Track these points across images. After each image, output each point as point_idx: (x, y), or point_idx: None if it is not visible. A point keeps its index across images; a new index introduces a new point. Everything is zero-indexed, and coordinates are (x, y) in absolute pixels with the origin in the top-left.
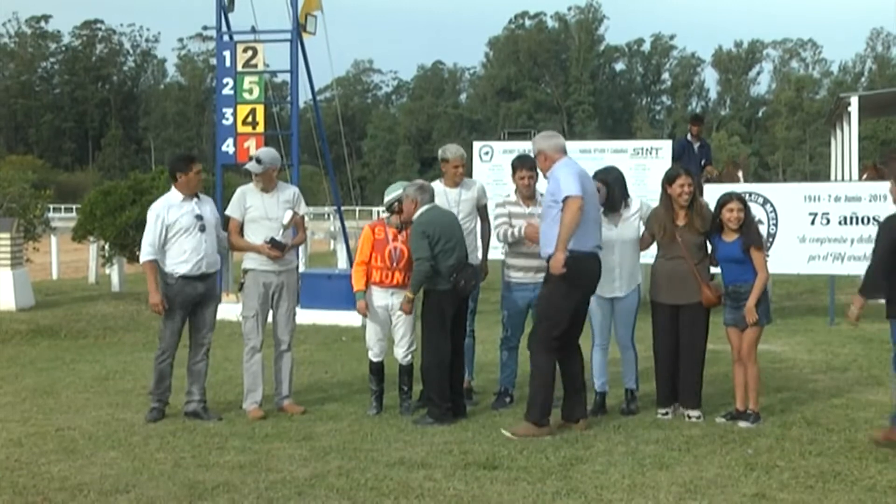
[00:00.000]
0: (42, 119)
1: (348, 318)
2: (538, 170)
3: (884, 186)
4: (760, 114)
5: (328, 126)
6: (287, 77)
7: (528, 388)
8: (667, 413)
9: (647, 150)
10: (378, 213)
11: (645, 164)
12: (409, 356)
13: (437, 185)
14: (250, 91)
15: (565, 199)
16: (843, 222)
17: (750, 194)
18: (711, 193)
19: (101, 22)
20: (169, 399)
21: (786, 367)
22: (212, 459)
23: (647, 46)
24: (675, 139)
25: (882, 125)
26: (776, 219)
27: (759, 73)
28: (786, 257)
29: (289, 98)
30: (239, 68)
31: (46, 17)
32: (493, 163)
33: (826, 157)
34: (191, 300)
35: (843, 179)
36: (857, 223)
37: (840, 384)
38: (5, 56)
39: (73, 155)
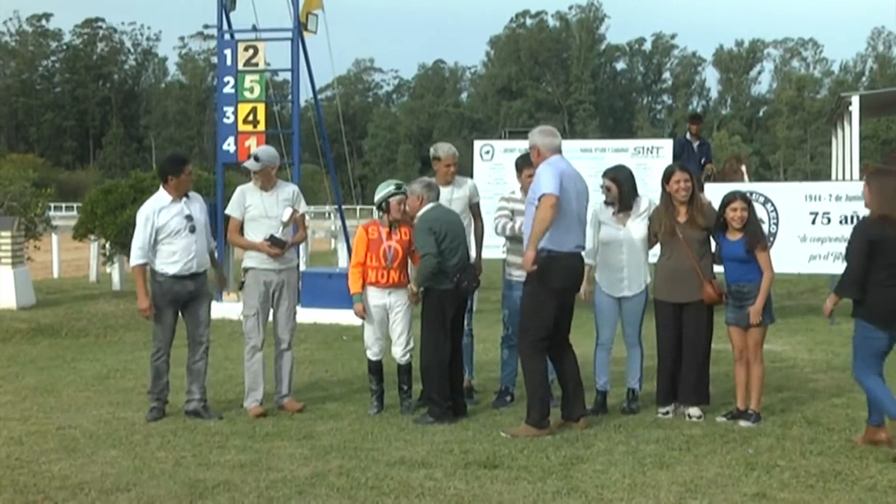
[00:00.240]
0: (43, 117)
1: (349, 317)
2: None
3: None
4: (761, 113)
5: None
6: (288, 76)
7: (526, 392)
8: (667, 412)
9: (647, 149)
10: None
11: (646, 163)
12: (408, 355)
13: None
14: (251, 90)
15: (540, 197)
16: (843, 222)
17: (751, 193)
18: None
19: (102, 20)
20: (168, 398)
21: (786, 366)
22: (212, 458)
23: (648, 46)
24: (675, 138)
25: (883, 125)
26: (777, 218)
27: (760, 73)
28: (787, 257)
29: (290, 97)
30: (240, 67)
31: (47, 16)
32: (494, 162)
33: (827, 156)
34: (181, 298)
35: (844, 179)
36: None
37: (841, 384)
38: (6, 54)
39: (74, 153)
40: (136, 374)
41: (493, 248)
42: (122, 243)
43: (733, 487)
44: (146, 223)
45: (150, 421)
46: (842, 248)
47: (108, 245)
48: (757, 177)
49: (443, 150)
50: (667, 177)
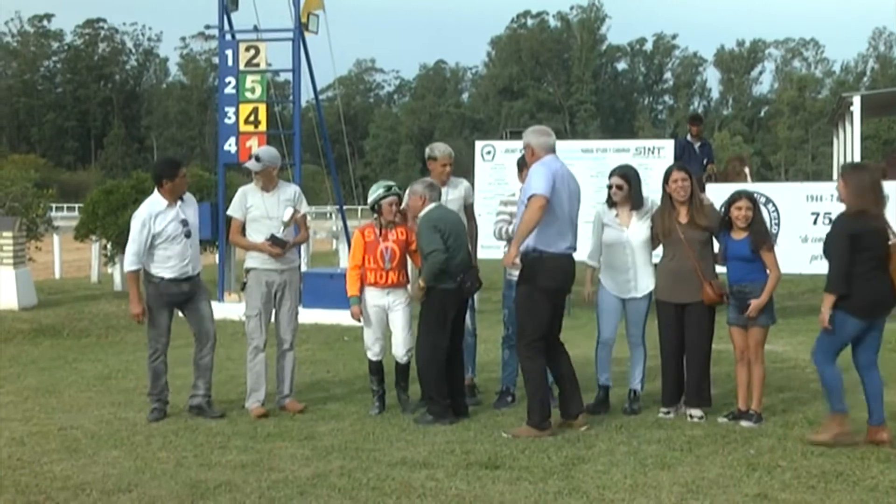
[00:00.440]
0: (44, 118)
1: (350, 318)
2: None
3: (886, 186)
4: (763, 113)
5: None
6: (289, 76)
7: (526, 393)
8: (668, 412)
9: (649, 149)
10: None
11: (647, 164)
12: (407, 356)
13: None
14: (252, 90)
15: (530, 198)
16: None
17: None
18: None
19: (104, 21)
20: (168, 398)
21: (788, 367)
22: (214, 459)
23: (649, 46)
24: (676, 139)
25: (884, 125)
26: (778, 218)
27: (761, 73)
28: (788, 257)
29: (291, 97)
30: (241, 67)
31: (49, 16)
32: (496, 162)
33: (828, 156)
34: (175, 300)
35: None
36: None
37: (842, 384)
38: (8, 55)
39: (76, 154)
40: (137, 374)
41: (494, 248)
42: (123, 244)
43: (735, 488)
44: (142, 229)
45: (151, 421)
46: None
47: (109, 245)
48: (758, 177)
49: (439, 150)
50: (666, 177)
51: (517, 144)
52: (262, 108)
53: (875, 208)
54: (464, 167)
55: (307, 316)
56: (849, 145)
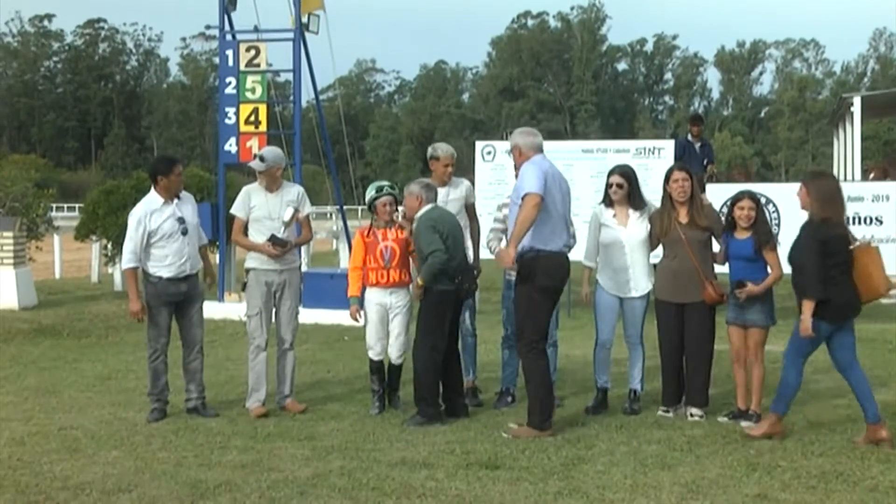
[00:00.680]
0: (45, 118)
1: (350, 318)
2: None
3: (886, 186)
4: (763, 114)
5: (331, 125)
6: (289, 76)
7: (527, 394)
8: (668, 412)
9: (649, 149)
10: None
11: (647, 164)
12: (402, 358)
13: None
14: (253, 90)
15: (524, 196)
16: (845, 222)
17: None
18: (718, 192)
19: (104, 21)
20: (168, 398)
21: None
22: (214, 459)
23: (649, 46)
24: (676, 139)
25: (885, 126)
26: (779, 219)
27: (761, 74)
28: None
29: (291, 97)
30: (241, 67)
31: (49, 16)
32: (496, 162)
33: (829, 157)
34: (174, 299)
35: (845, 180)
36: (859, 223)
37: (842, 384)
38: (8, 55)
39: (76, 154)
40: (137, 374)
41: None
42: (123, 244)
43: (735, 488)
44: (138, 226)
45: (151, 421)
46: None
47: (109, 246)
48: (759, 178)
49: (441, 149)
50: (667, 177)
51: None
52: (263, 109)
53: (837, 215)
54: (464, 168)
55: (307, 316)
56: (849, 146)
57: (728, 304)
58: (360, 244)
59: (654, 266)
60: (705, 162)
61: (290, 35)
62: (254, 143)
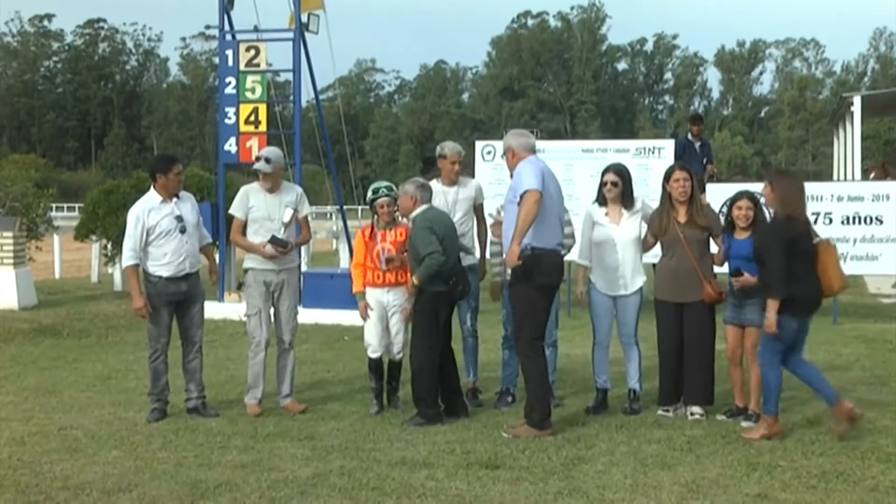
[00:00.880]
0: (45, 118)
1: (350, 318)
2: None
3: (886, 186)
4: (763, 113)
5: (330, 125)
6: (289, 76)
7: (526, 393)
8: (668, 411)
9: (649, 149)
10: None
11: (647, 164)
12: (402, 354)
13: (435, 185)
14: (253, 90)
15: (523, 193)
16: (845, 222)
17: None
18: (718, 192)
19: (104, 21)
20: (169, 398)
21: None
22: (214, 459)
23: (649, 46)
24: (676, 139)
25: (885, 125)
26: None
27: (761, 73)
28: None
29: (291, 97)
30: (241, 67)
31: (49, 16)
32: (496, 162)
33: (829, 156)
34: (175, 298)
35: (845, 179)
36: (859, 223)
37: (843, 384)
38: (8, 55)
39: (76, 154)
40: (137, 374)
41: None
42: (123, 243)
43: (735, 488)
44: (136, 224)
45: (151, 421)
46: (844, 248)
47: (109, 245)
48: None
49: (448, 147)
50: (667, 176)
51: None
52: (263, 109)
53: (800, 212)
54: (463, 167)
55: (307, 316)
56: (849, 145)
57: (726, 304)
58: (361, 242)
59: (653, 266)
60: (705, 161)
61: (290, 35)
62: (254, 143)
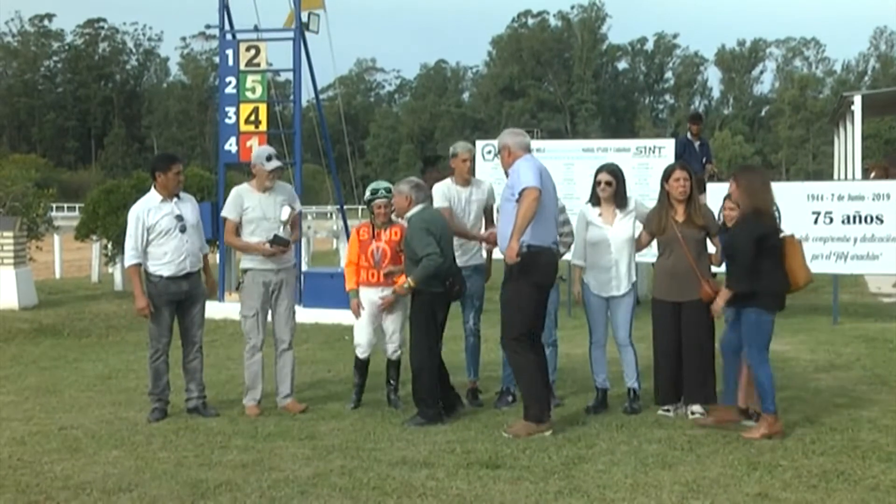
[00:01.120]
0: (45, 118)
1: (351, 317)
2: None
3: (887, 185)
4: (763, 113)
5: (331, 125)
6: (290, 76)
7: (520, 389)
8: (668, 411)
9: (650, 148)
10: None
11: (648, 163)
12: (398, 352)
13: (448, 184)
14: (253, 90)
15: (522, 191)
16: (846, 221)
17: None
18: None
19: (104, 20)
20: (169, 398)
21: (788, 366)
22: (214, 458)
23: (650, 45)
24: (676, 138)
25: (885, 124)
26: (779, 218)
27: (762, 72)
28: None
29: (291, 97)
30: (242, 67)
31: (50, 16)
32: (496, 162)
33: (829, 155)
34: (176, 298)
35: (846, 178)
36: (860, 222)
37: (843, 383)
38: (8, 55)
39: (76, 154)
40: (138, 374)
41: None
42: (123, 243)
43: (735, 487)
44: (136, 223)
45: (152, 421)
46: (845, 247)
47: (109, 245)
48: None
49: (460, 146)
50: (667, 175)
51: None
52: (263, 108)
53: (766, 206)
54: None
55: (307, 315)
56: (850, 144)
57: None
58: (355, 241)
59: (649, 265)
60: (704, 161)
61: (290, 34)
62: (254, 143)
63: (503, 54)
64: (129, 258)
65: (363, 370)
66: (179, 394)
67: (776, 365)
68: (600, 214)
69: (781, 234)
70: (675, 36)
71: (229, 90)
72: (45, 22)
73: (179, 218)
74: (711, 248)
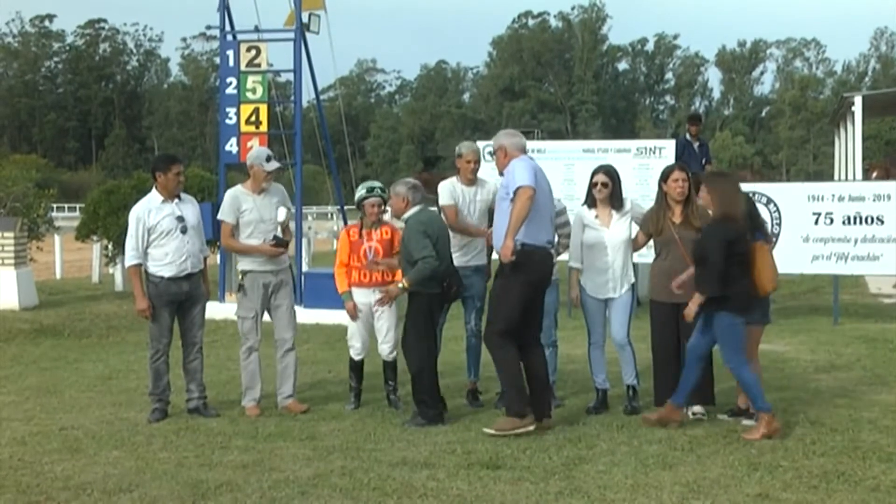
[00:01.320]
0: (46, 118)
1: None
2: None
3: (887, 186)
4: (764, 113)
5: (331, 125)
6: (290, 76)
7: (501, 384)
8: None
9: (650, 149)
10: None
11: (648, 164)
12: (394, 353)
13: (453, 182)
14: (253, 90)
15: (517, 189)
16: (846, 222)
17: (754, 194)
18: None
19: (105, 21)
20: (170, 398)
21: (789, 366)
22: (215, 459)
23: (650, 46)
24: (677, 139)
25: (886, 125)
26: (780, 218)
27: (762, 73)
28: (789, 257)
29: (292, 97)
30: (242, 68)
31: (50, 17)
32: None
33: (830, 156)
34: (177, 298)
35: (846, 179)
36: (860, 223)
37: (843, 384)
38: (9, 55)
39: (77, 154)
40: (138, 374)
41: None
42: (124, 244)
43: (736, 488)
44: (137, 223)
45: (152, 422)
46: (845, 248)
47: (110, 246)
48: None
49: (465, 146)
50: (665, 175)
51: None
52: (264, 109)
53: (737, 211)
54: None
55: (308, 316)
56: (850, 145)
57: None
58: (345, 242)
59: (647, 266)
60: (704, 162)
61: (291, 35)
62: (255, 144)
63: (503, 55)
64: (130, 259)
65: (359, 372)
66: (180, 394)
67: (776, 365)
68: (597, 216)
69: (751, 241)
70: (675, 37)
71: (230, 91)
72: (46, 22)
73: (180, 219)
74: None
